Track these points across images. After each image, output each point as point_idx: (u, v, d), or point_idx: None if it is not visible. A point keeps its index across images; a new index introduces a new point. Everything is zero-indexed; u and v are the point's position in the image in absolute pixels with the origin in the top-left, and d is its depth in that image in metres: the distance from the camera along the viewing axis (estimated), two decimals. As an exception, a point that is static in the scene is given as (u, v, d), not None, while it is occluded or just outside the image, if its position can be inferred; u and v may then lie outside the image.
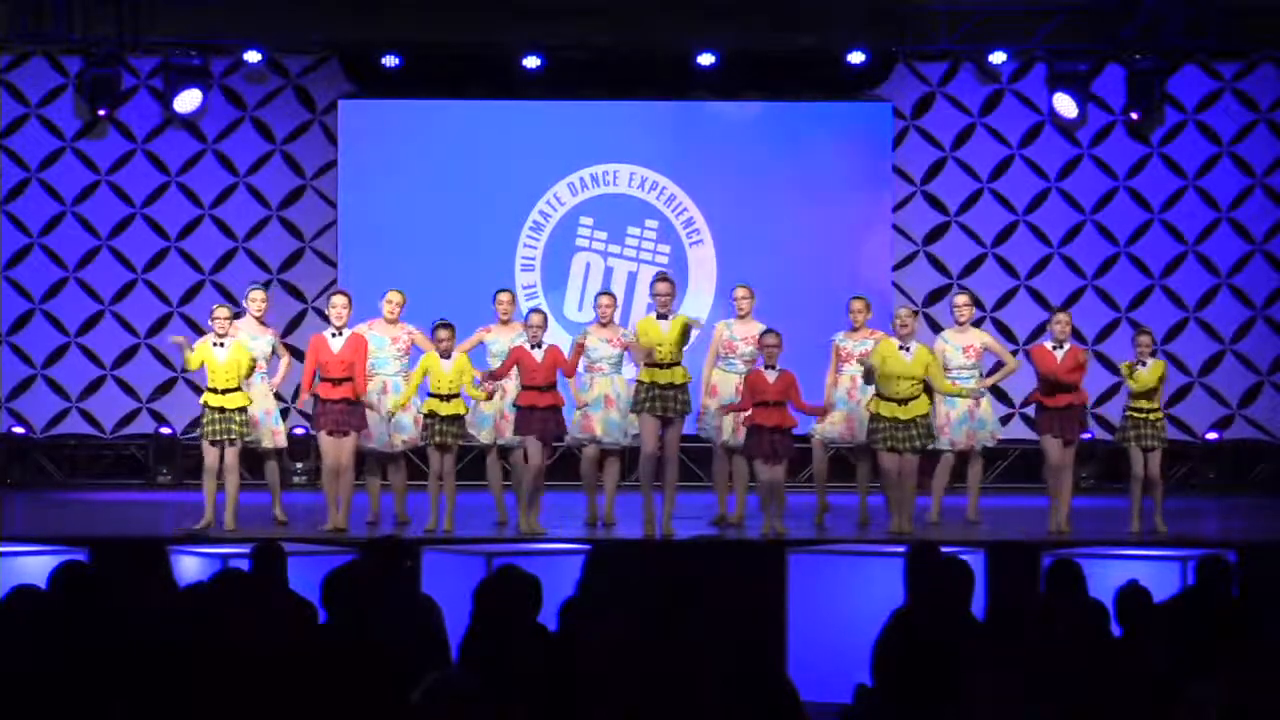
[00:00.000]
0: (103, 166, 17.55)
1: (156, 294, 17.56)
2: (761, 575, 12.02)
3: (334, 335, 13.60)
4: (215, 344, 13.44)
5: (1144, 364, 13.83)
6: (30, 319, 17.53)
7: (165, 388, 17.39)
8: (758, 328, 13.94)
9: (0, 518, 14.22)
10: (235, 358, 13.41)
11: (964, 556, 9.35)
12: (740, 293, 14.27)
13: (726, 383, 14.06)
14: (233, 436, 13.39)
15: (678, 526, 13.52)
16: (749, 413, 13.43)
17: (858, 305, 14.33)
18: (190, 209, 17.60)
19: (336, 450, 13.47)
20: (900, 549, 10.64)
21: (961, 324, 14.47)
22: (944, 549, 8.51)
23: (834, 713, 7.28)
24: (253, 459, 14.71)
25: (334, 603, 7.30)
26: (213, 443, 13.42)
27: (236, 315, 13.97)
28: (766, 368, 13.46)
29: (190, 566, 11.30)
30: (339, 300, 13.81)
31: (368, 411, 13.73)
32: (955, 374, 14.18)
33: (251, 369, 13.54)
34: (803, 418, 13.74)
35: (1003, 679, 6.65)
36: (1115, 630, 7.52)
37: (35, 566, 10.32)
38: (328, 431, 13.50)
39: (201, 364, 13.50)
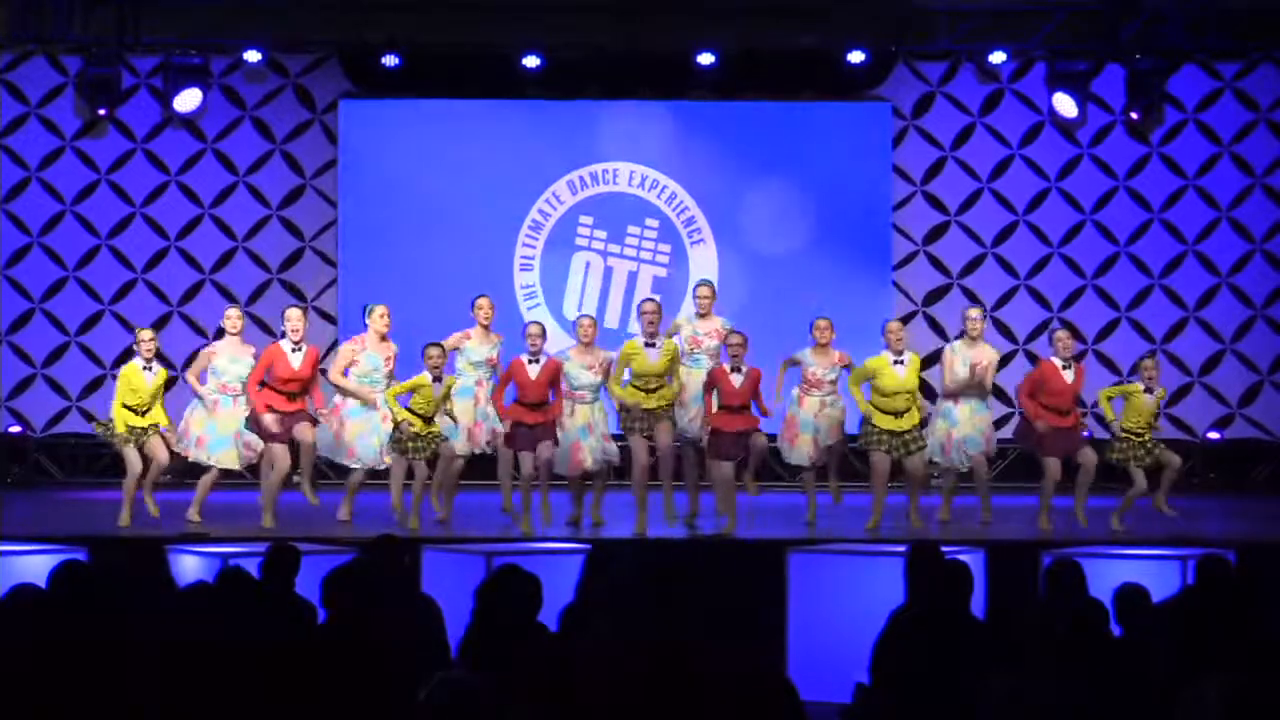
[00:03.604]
0: (103, 166, 17.54)
1: (156, 294, 17.55)
2: (761, 575, 12.02)
3: (294, 350, 13.55)
4: (144, 368, 13.76)
5: (1151, 391, 13.80)
6: (30, 318, 17.52)
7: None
8: (719, 323, 13.98)
9: (0, 517, 14.20)
10: (160, 383, 13.80)
11: (964, 556, 9.36)
12: (703, 291, 14.24)
13: (693, 380, 13.90)
14: (144, 437, 13.78)
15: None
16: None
17: (823, 324, 13.83)
18: (190, 208, 17.59)
19: (283, 456, 13.54)
20: (900, 549, 10.63)
21: (974, 338, 14.34)
22: (944, 549, 8.50)
23: (834, 713, 7.29)
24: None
25: (334, 602, 7.30)
26: (136, 446, 13.77)
27: (219, 334, 14.06)
28: (732, 370, 13.40)
29: (189, 566, 11.31)
30: (294, 314, 13.81)
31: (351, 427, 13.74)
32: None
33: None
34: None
35: (1002, 679, 6.65)
36: (1115, 630, 7.51)
37: (35, 566, 10.31)
38: (279, 441, 13.51)
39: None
